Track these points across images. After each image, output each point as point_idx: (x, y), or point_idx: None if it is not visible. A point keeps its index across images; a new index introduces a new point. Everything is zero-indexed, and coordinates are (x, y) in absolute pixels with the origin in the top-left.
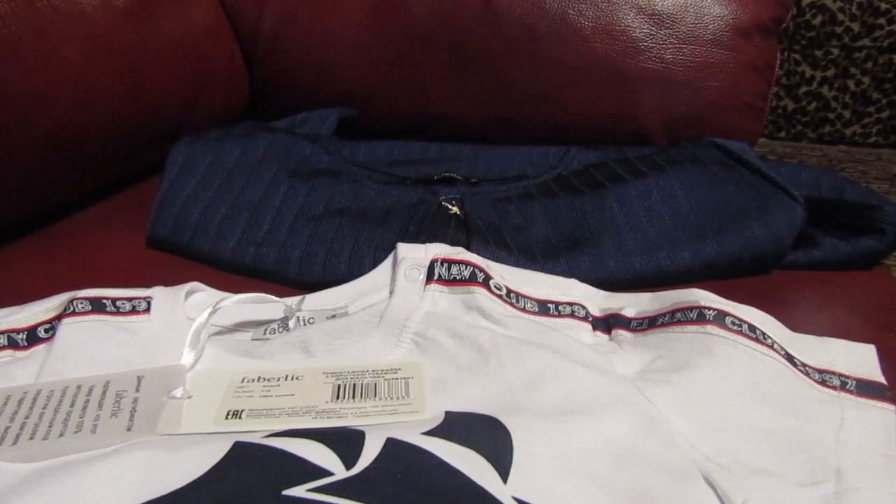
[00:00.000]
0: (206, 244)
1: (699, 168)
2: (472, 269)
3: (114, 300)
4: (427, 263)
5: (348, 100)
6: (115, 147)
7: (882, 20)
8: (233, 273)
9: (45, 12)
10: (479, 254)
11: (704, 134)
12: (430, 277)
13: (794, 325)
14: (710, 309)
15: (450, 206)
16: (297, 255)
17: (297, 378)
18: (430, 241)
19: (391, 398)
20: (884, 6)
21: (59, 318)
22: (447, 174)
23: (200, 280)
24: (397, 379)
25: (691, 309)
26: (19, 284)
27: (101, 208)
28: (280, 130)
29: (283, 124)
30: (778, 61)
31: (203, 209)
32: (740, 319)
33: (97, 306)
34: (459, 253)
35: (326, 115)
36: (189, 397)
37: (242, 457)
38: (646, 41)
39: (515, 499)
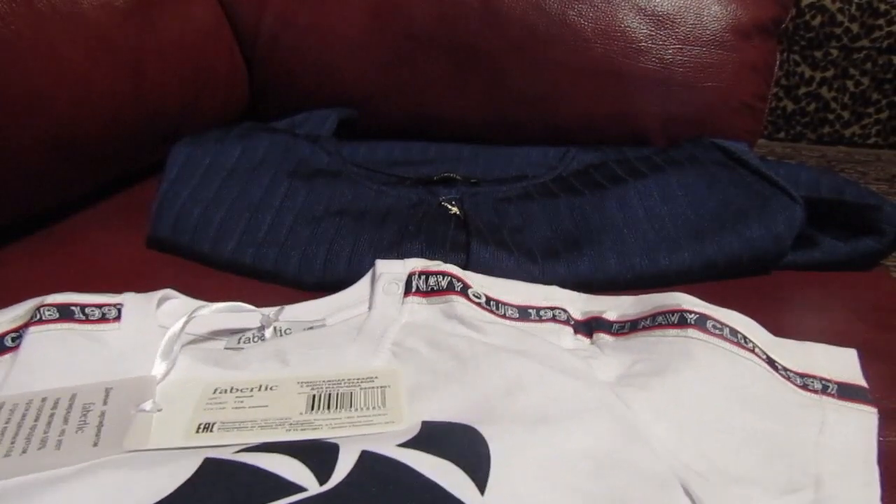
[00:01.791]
0: (206, 244)
1: (699, 169)
2: (449, 278)
3: (83, 307)
4: (405, 277)
5: (348, 100)
6: (115, 147)
7: (881, 21)
8: (232, 273)
9: (45, 12)
10: (478, 254)
11: (704, 134)
12: (408, 290)
13: (794, 326)
14: (691, 313)
15: (449, 207)
16: (296, 256)
17: (271, 388)
18: (430, 242)
19: (367, 408)
20: (883, 7)
21: (25, 326)
22: (447, 175)
23: (200, 280)
24: (374, 388)
25: (673, 312)
26: (19, 285)
27: (101, 209)
28: (280, 131)
29: (282, 125)
30: (777, 62)
31: (203, 209)
32: (722, 323)
33: (65, 314)
34: (438, 265)
35: (326, 116)
36: (159, 410)
37: (212, 473)
38: (645, 42)
39: None
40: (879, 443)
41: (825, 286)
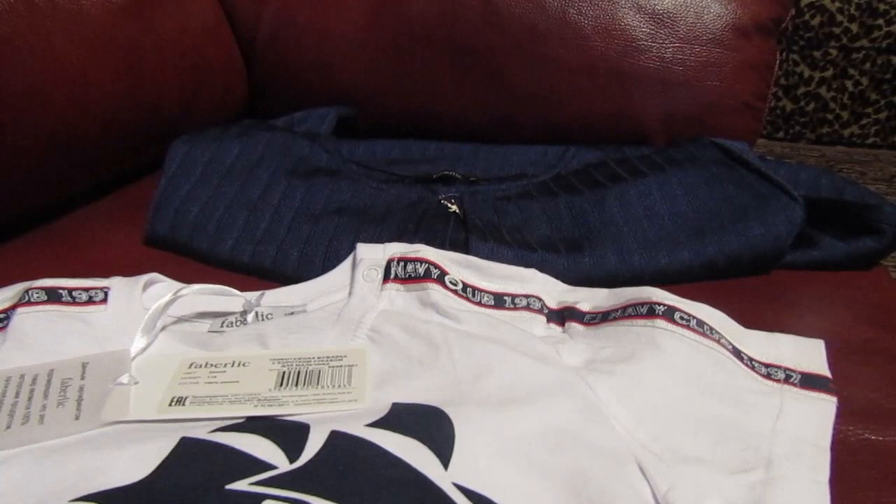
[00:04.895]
0: (205, 242)
1: (699, 168)
2: (427, 266)
3: (70, 290)
4: (384, 263)
5: (347, 98)
6: (113, 145)
7: (881, 21)
8: (231, 271)
9: (44, 9)
10: (477, 251)
11: (704, 133)
12: (386, 277)
13: (793, 326)
14: (660, 304)
15: (449, 205)
16: (295, 254)
17: (243, 364)
18: (430, 240)
19: (333, 386)
20: (882, 7)
21: (13, 308)
22: (446, 173)
23: (198, 278)
24: (341, 366)
25: (643, 304)
26: (17, 282)
27: (99, 206)
28: (279, 129)
29: (281, 123)
30: (777, 62)
31: (201, 207)
32: (689, 315)
33: (53, 296)
34: (417, 251)
35: (325, 114)
36: (136, 383)
37: (188, 453)
38: (646, 40)
39: (455, 485)
40: (880, 441)
41: (825, 286)
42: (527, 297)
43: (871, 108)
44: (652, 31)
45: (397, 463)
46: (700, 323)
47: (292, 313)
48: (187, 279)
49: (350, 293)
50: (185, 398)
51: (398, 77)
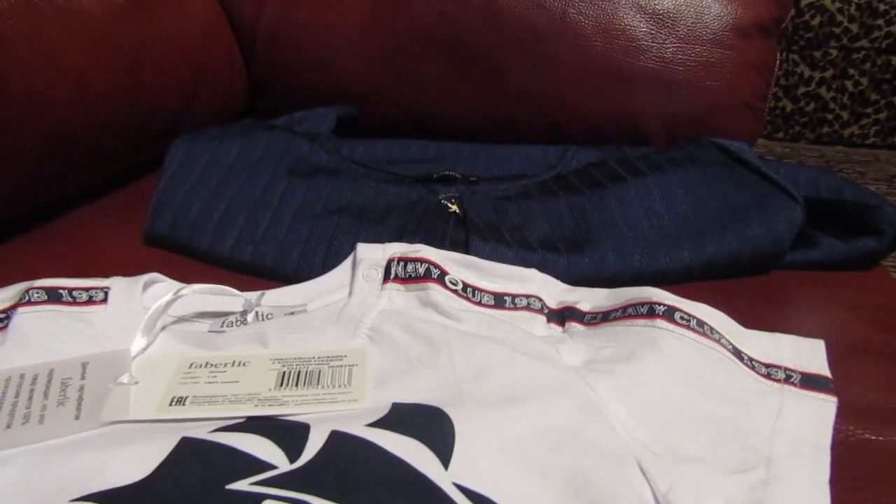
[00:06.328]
0: (204, 242)
1: (699, 168)
2: (427, 265)
3: (70, 290)
4: (384, 263)
5: (347, 98)
6: (113, 144)
7: (880, 21)
8: (231, 271)
9: (44, 9)
10: (478, 251)
11: (704, 133)
12: (387, 276)
13: (793, 326)
14: (660, 304)
15: (449, 205)
16: (295, 254)
17: (243, 364)
18: (430, 240)
19: (333, 386)
20: (882, 7)
21: (14, 307)
22: (446, 172)
23: (198, 278)
24: (342, 366)
25: (643, 304)
26: (16, 281)
27: (99, 205)
28: (279, 128)
29: (281, 122)
30: (777, 62)
31: (201, 207)
32: (689, 315)
33: (53, 296)
34: (417, 251)
35: (325, 114)
36: (136, 383)
37: (188, 453)
38: (646, 40)
39: (455, 484)
40: (880, 441)
41: (825, 286)
42: (527, 296)
43: (870, 108)
44: (652, 31)
45: (397, 463)
46: (700, 323)
47: (292, 313)
48: (187, 279)
49: (350, 293)
50: (186, 398)
51: (398, 76)
